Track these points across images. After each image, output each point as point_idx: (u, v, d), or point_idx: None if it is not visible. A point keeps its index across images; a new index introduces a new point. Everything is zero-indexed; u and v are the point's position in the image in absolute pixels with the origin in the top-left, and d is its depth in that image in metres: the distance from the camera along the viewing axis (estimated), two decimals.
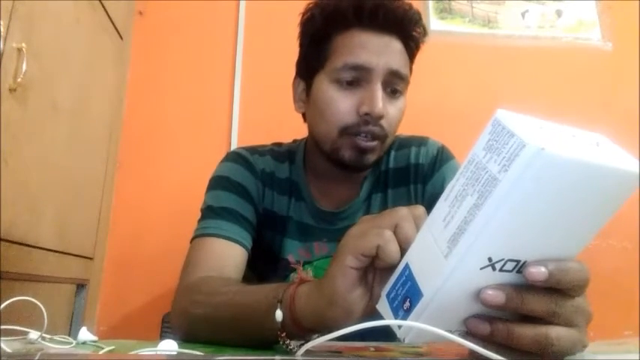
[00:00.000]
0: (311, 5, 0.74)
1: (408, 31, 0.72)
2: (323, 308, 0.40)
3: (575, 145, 0.28)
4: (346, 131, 0.69)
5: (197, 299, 0.59)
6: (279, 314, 0.43)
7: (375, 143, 0.70)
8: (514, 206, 0.28)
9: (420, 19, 0.74)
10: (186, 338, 0.56)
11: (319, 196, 0.80)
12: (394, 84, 0.71)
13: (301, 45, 0.78)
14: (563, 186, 0.27)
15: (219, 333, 0.52)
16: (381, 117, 0.68)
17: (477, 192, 0.29)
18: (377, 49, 0.69)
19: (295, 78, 0.79)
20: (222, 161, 0.82)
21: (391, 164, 0.81)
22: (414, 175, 0.79)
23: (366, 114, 0.68)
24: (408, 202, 0.78)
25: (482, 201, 0.28)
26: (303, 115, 0.79)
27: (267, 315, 0.44)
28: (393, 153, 0.81)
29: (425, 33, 0.75)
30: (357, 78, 0.69)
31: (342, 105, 0.69)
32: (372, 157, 0.71)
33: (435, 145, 0.82)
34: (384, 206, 0.79)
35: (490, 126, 0.29)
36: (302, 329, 0.44)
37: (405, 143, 0.82)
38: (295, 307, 0.43)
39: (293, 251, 0.79)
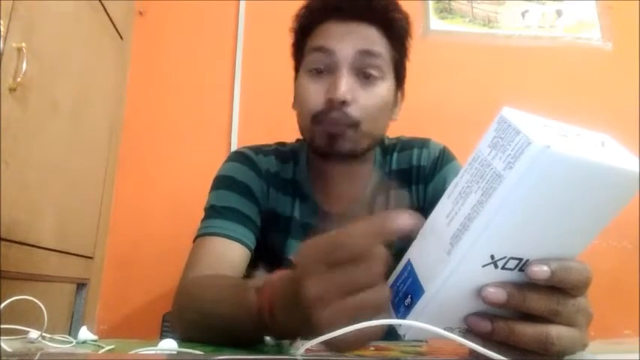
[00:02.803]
0: (301, 6, 0.77)
1: (378, 15, 0.72)
2: (310, 330, 0.36)
3: (580, 144, 0.28)
4: (316, 119, 0.70)
5: (187, 303, 0.59)
6: (270, 341, 0.43)
7: (342, 129, 0.68)
8: (518, 204, 0.28)
9: (395, 3, 0.74)
10: (183, 338, 0.56)
11: (323, 197, 0.79)
12: (367, 67, 0.69)
13: (292, 44, 0.80)
14: (568, 185, 0.27)
15: (210, 338, 0.52)
16: (342, 102, 0.67)
17: (481, 189, 0.29)
18: (341, 34, 0.70)
19: (294, 78, 0.80)
20: (226, 161, 0.82)
21: (393, 166, 0.81)
22: (415, 177, 0.79)
23: (329, 100, 0.67)
24: (410, 203, 0.78)
25: (486, 198, 0.28)
26: None
27: (253, 332, 0.44)
28: (395, 155, 0.81)
29: (405, 16, 0.75)
30: (325, 65, 0.70)
31: (310, 93, 0.70)
32: (346, 144, 0.69)
33: (436, 146, 0.82)
34: (386, 208, 0.79)
35: (496, 123, 0.29)
36: (294, 337, 0.44)
37: (407, 145, 0.82)
38: (284, 332, 0.42)
39: None
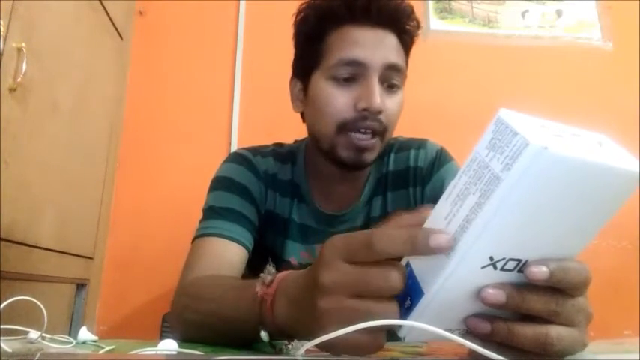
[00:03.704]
0: (304, 5, 0.75)
1: (401, 24, 0.72)
2: (309, 325, 0.36)
3: (578, 144, 0.28)
4: (344, 128, 0.69)
5: (187, 303, 0.59)
6: (264, 336, 0.43)
7: (374, 141, 0.69)
8: (516, 205, 0.28)
9: (413, 12, 0.73)
10: (183, 339, 0.56)
11: (321, 199, 0.79)
12: (391, 78, 0.70)
13: (296, 45, 0.78)
14: (566, 185, 0.27)
15: (211, 338, 0.52)
16: (379, 111, 0.67)
17: (479, 191, 0.29)
18: (372, 44, 0.69)
19: (292, 78, 0.79)
20: (224, 162, 0.81)
21: (391, 167, 0.81)
22: (413, 178, 0.79)
23: (365, 109, 0.67)
24: (407, 205, 0.78)
25: (484, 200, 0.28)
26: (302, 114, 0.79)
27: (253, 330, 0.43)
28: (392, 156, 0.81)
29: (418, 26, 0.74)
30: (353, 74, 0.69)
31: (339, 101, 0.69)
32: (370, 156, 0.70)
33: (433, 147, 0.82)
34: (384, 210, 0.79)
35: (493, 125, 0.30)
36: (292, 337, 0.44)
37: (404, 146, 0.82)
38: (279, 325, 0.41)
39: (295, 253, 0.79)
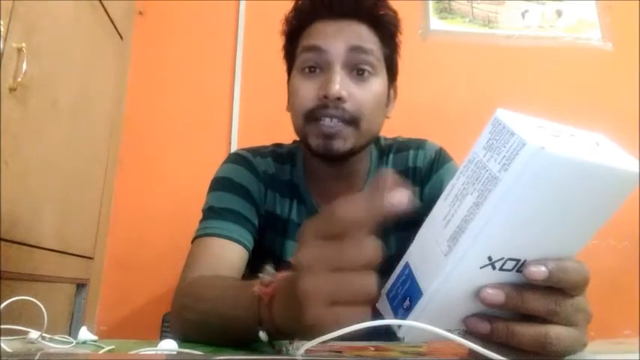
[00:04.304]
0: (290, 8, 0.78)
1: (367, 12, 0.72)
2: (306, 327, 0.35)
3: (575, 144, 0.28)
4: (310, 117, 0.69)
5: (187, 303, 0.59)
6: (263, 336, 0.43)
7: (339, 126, 0.68)
8: (514, 205, 0.28)
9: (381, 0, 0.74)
10: (182, 339, 0.56)
11: (320, 199, 0.79)
12: (359, 63, 0.70)
13: (283, 47, 0.81)
14: (563, 185, 0.27)
15: (210, 338, 0.52)
16: (338, 98, 0.67)
17: (477, 191, 0.29)
18: (332, 32, 0.70)
19: (287, 79, 0.80)
20: (224, 162, 0.82)
21: (390, 167, 0.81)
22: (412, 179, 0.79)
23: (325, 96, 0.67)
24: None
25: (482, 200, 0.28)
26: None
27: (252, 330, 0.43)
28: (391, 156, 0.81)
29: (393, 12, 0.75)
30: (317, 63, 0.70)
31: (303, 91, 0.70)
32: (340, 143, 0.69)
33: (432, 147, 0.81)
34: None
35: (490, 125, 0.30)
36: (291, 338, 0.44)
37: (403, 146, 0.82)
38: (278, 325, 0.41)
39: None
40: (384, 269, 0.38)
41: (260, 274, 0.44)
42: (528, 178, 0.27)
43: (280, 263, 0.78)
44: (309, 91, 0.70)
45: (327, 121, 0.68)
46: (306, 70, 0.71)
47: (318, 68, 0.70)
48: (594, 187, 0.28)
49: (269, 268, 0.44)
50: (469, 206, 0.29)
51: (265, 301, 0.41)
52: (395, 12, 0.75)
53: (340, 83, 0.67)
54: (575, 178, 0.27)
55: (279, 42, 0.83)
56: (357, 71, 0.70)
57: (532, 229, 0.29)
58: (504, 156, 0.27)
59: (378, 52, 0.72)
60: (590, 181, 0.28)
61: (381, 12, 0.73)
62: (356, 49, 0.69)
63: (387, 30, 0.74)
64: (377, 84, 0.71)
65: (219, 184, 0.78)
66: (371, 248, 0.31)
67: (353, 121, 0.69)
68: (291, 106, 0.74)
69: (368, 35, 0.71)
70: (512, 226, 0.29)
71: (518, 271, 0.31)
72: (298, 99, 0.71)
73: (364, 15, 0.72)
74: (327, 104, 0.67)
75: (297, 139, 0.85)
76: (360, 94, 0.69)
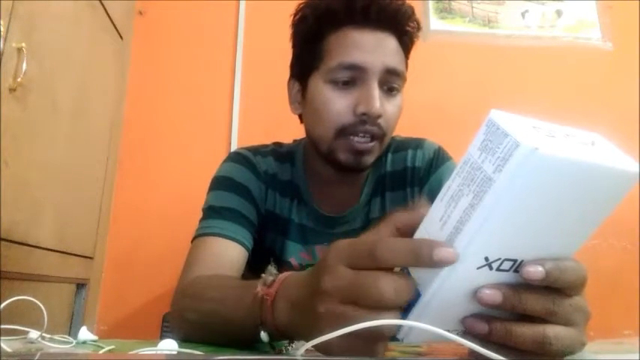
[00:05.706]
0: (302, 5, 0.73)
1: (401, 26, 0.71)
2: (308, 327, 0.36)
3: (570, 144, 0.28)
4: (343, 132, 0.68)
5: (187, 303, 0.59)
6: (264, 336, 0.43)
7: (372, 144, 0.69)
8: (509, 206, 0.28)
9: (413, 13, 0.73)
10: (183, 339, 0.56)
11: (320, 200, 0.79)
12: (391, 82, 0.70)
13: (294, 46, 0.77)
14: (558, 185, 0.27)
15: (210, 338, 0.52)
16: (378, 116, 0.67)
17: (472, 192, 0.29)
18: (371, 48, 0.68)
19: (290, 79, 0.78)
20: (224, 161, 0.81)
21: (389, 167, 0.80)
22: (410, 178, 0.79)
23: (364, 114, 0.67)
24: (405, 205, 0.78)
25: (477, 201, 0.28)
26: (300, 116, 0.78)
27: (253, 331, 0.43)
28: (390, 156, 0.81)
29: (419, 27, 0.74)
30: (352, 77, 0.68)
31: (338, 105, 0.68)
32: (369, 159, 0.70)
33: (431, 147, 0.81)
34: (382, 210, 0.79)
35: (485, 126, 0.30)
36: (292, 338, 0.44)
37: (401, 146, 0.82)
38: (279, 326, 0.41)
39: (295, 254, 0.79)
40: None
41: (262, 275, 0.44)
42: (523, 179, 0.27)
43: (280, 263, 0.78)
44: (343, 106, 0.68)
45: (360, 137, 0.68)
46: (339, 83, 0.68)
47: (352, 82, 0.68)
48: (590, 186, 0.28)
49: (271, 269, 0.44)
50: (464, 208, 0.29)
51: (268, 302, 0.41)
52: (420, 25, 0.74)
53: (380, 101, 0.67)
54: (571, 178, 0.27)
55: (279, 42, 0.82)
56: (389, 88, 0.70)
57: (528, 230, 0.29)
58: (498, 157, 0.27)
59: (404, 68, 0.72)
60: (585, 181, 0.28)
61: (411, 26, 0.72)
62: (392, 72, 0.69)
63: (411, 44, 0.74)
64: (400, 99, 0.72)
65: (220, 183, 0.77)
66: (395, 291, 0.30)
67: (381, 137, 0.69)
68: (319, 118, 0.71)
69: (399, 53, 0.71)
70: (508, 226, 0.29)
71: (515, 271, 0.31)
72: (331, 113, 0.69)
73: (397, 29, 0.70)
74: (364, 120, 0.67)
75: (297, 138, 0.86)
76: (390, 110, 0.70)
